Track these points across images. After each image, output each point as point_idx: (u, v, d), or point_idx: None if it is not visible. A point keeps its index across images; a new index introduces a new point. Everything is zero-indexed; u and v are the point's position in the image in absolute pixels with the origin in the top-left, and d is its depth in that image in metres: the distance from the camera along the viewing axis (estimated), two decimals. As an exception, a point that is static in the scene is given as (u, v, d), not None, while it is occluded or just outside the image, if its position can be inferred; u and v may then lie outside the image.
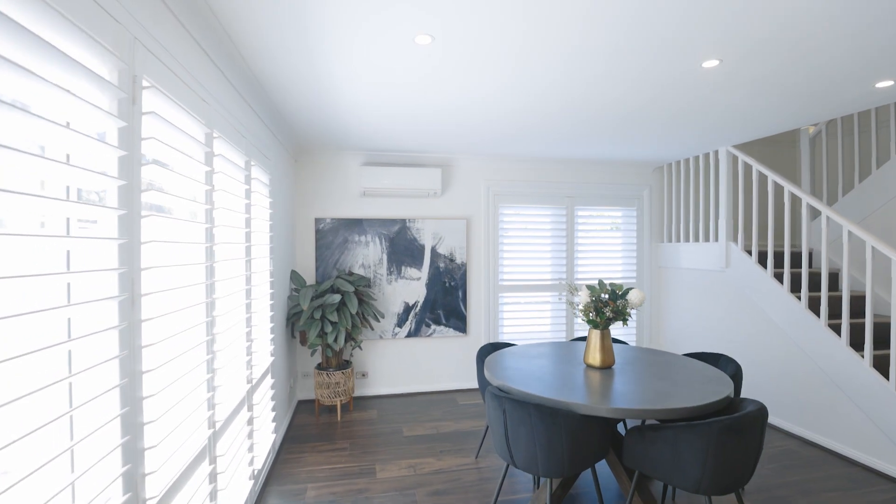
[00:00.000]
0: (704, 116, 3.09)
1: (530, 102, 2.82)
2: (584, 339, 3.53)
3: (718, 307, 4.12)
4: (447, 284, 4.41)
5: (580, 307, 2.69)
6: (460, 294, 4.44)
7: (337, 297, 3.51)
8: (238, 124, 2.30)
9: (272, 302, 3.04)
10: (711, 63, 2.21)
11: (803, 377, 3.31)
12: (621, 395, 2.13)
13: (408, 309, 4.33)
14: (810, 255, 4.30)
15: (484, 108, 2.95)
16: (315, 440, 3.33)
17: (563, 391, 2.17)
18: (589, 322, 2.61)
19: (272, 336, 3.01)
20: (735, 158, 4.57)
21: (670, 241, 5.07)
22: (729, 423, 1.85)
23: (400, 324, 4.32)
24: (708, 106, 2.86)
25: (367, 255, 4.23)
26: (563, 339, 4.74)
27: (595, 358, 2.60)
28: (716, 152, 4.86)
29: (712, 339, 4.17)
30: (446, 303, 4.41)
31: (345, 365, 3.86)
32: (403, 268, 4.31)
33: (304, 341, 3.76)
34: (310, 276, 4.17)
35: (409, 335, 4.34)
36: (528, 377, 2.41)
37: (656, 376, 2.40)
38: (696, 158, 5.04)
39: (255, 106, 2.58)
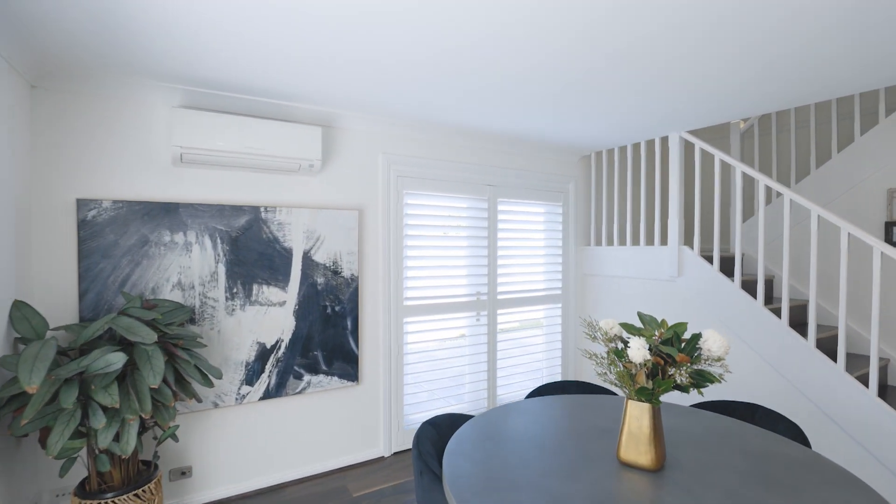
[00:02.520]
0: (676, 81, 2.23)
1: (465, 32, 1.56)
2: (543, 391, 2.41)
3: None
4: (329, 310, 2.87)
5: (609, 362, 1.53)
6: (349, 323, 2.94)
7: (117, 359, 1.73)
8: None
9: None
10: None
11: (800, 418, 2.71)
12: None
13: (264, 354, 2.67)
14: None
15: (399, 32, 1.59)
16: None
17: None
18: (639, 393, 1.46)
19: None
20: (690, 147, 3.97)
21: (599, 244, 4.35)
22: None
23: (250, 379, 2.63)
24: (685, 66, 1.98)
25: (189, 268, 2.45)
26: (484, 380, 3.60)
27: (642, 454, 1.47)
28: (664, 139, 4.30)
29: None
30: (328, 338, 2.87)
31: (142, 477, 2.06)
32: (257, 287, 2.63)
33: (44, 443, 1.86)
34: (64, 310, 2.21)
35: (268, 395, 2.68)
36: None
37: (750, 482, 1.36)
38: (637, 146, 4.43)
39: None
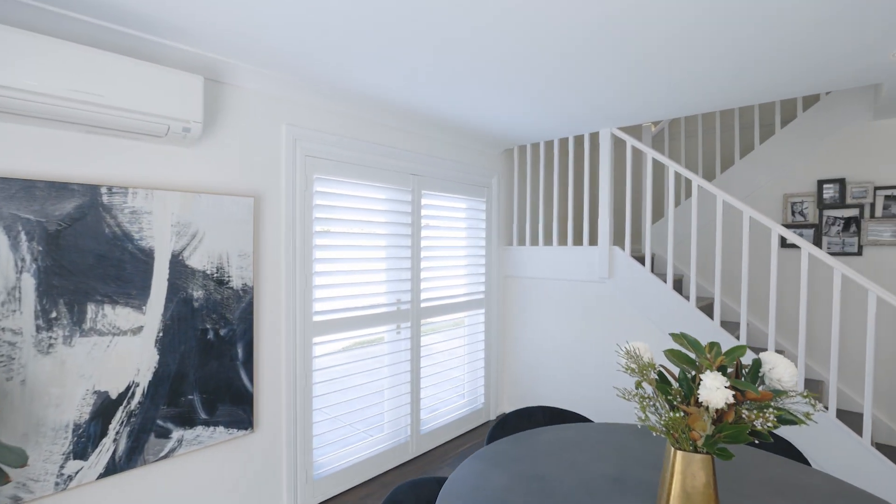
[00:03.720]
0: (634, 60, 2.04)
1: None
2: (508, 423, 2.00)
3: (596, 329, 3.31)
4: (211, 335, 2.07)
5: (658, 410, 1.16)
6: (240, 352, 2.17)
7: None
8: None
9: None
10: None
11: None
12: None
13: (107, 408, 1.78)
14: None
15: None
16: None
17: None
18: (707, 445, 1.10)
19: None
20: (622, 143, 3.88)
21: (523, 243, 4.11)
22: None
23: (82, 450, 1.72)
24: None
25: (-37, 282, 1.48)
26: (407, 403, 3.06)
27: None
28: (594, 135, 4.16)
29: (591, 378, 3.35)
30: (209, 375, 2.06)
31: None
32: (94, 308, 1.73)
33: None
34: None
35: (113, 469, 1.79)
36: None
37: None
38: (565, 142, 4.26)
39: None
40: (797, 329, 3.35)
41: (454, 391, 3.47)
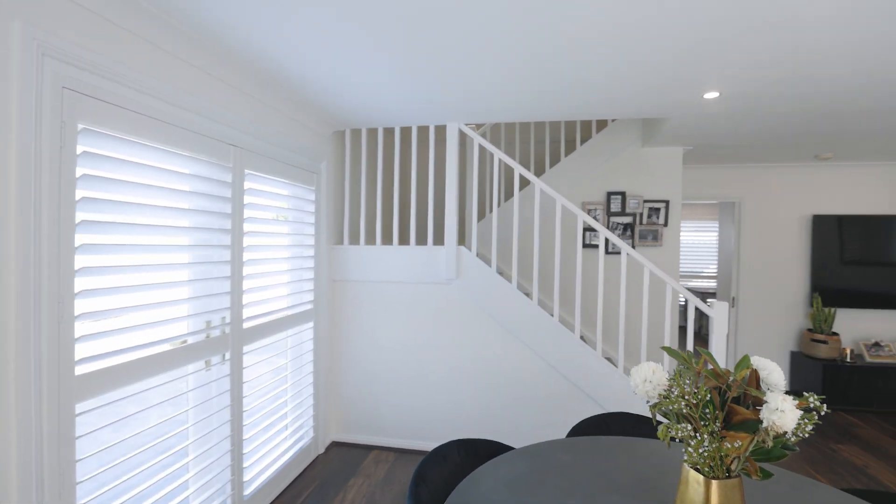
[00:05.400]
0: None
1: None
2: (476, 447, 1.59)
3: (446, 334, 3.12)
4: None
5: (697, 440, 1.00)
6: None
7: None
8: None
9: None
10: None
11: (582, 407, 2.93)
12: None
13: None
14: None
15: None
16: None
17: None
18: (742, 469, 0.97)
19: None
20: (470, 141, 3.68)
21: (356, 242, 3.58)
22: None
23: None
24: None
25: None
26: (227, 466, 2.20)
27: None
28: (440, 128, 3.81)
29: (445, 384, 3.12)
30: None
31: None
32: None
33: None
34: None
35: None
36: None
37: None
38: (408, 130, 3.80)
39: None
40: (593, 316, 3.92)
41: (281, 431, 2.72)
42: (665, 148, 3.72)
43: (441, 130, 4.34)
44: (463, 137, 4.29)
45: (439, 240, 4.51)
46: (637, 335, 3.76)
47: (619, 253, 3.79)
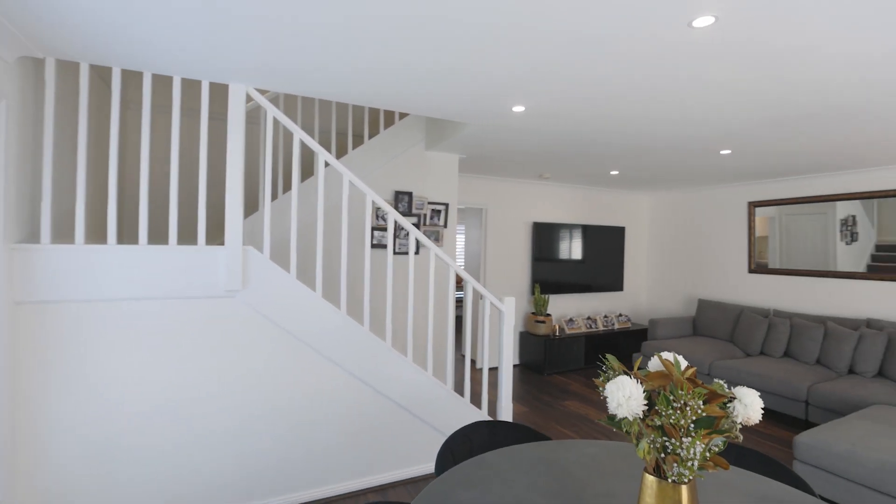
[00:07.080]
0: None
1: None
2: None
3: (230, 368, 2.35)
4: None
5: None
6: None
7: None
8: None
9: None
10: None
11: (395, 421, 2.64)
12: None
13: None
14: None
15: None
16: None
17: None
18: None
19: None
20: (262, 112, 2.68)
21: (70, 239, 2.30)
22: None
23: None
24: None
25: None
26: None
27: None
28: (222, 87, 2.66)
29: (239, 433, 2.30)
30: None
31: None
32: None
33: None
34: None
35: None
36: None
37: None
38: (165, 81, 2.58)
39: None
40: (383, 317, 3.73)
41: None
42: (446, 154, 3.90)
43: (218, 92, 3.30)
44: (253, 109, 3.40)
45: (214, 237, 3.44)
46: (424, 334, 3.82)
47: (406, 254, 3.76)
